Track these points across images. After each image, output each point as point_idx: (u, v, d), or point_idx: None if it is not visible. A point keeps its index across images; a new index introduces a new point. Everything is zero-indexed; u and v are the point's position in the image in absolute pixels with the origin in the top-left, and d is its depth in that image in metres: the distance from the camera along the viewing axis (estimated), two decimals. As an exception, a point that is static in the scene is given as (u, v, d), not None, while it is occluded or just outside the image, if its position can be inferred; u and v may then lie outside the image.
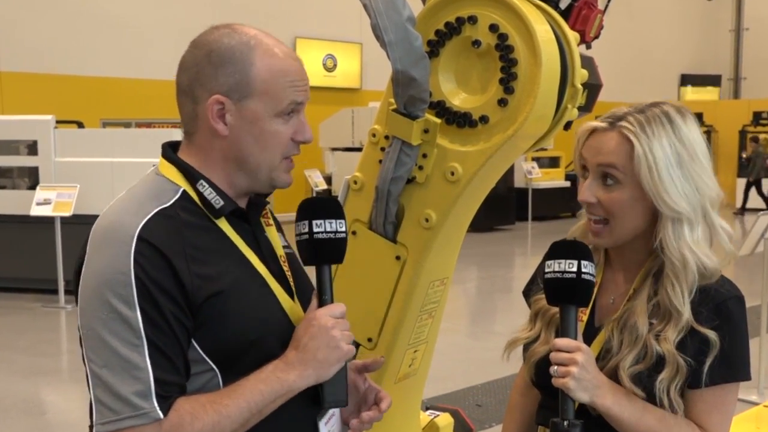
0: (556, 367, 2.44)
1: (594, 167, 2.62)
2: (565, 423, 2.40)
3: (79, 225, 10.52)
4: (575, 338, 2.48)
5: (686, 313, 2.52)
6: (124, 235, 2.19)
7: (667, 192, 2.52)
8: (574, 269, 2.45)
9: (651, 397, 2.52)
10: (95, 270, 2.20)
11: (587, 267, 2.46)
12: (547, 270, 2.51)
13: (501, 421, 3.23)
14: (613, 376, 2.55)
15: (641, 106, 2.63)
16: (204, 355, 2.26)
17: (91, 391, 2.17)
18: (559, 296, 2.50)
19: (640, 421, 2.50)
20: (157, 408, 2.12)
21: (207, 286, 2.23)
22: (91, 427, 2.22)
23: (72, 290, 2.34)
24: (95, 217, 2.32)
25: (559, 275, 2.47)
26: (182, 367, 2.22)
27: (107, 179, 13.01)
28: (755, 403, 7.19)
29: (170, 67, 2.61)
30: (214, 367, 2.27)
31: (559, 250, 2.52)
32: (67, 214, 12.70)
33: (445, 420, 3.71)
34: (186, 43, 2.37)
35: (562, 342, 2.45)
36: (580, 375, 2.41)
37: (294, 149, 2.42)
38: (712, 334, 2.50)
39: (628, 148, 2.55)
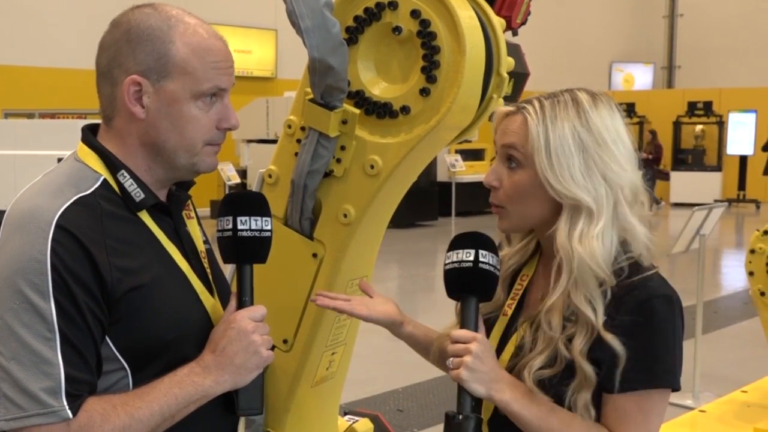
0: (451, 359, 2.45)
1: (499, 149, 2.63)
2: (459, 416, 2.41)
3: (-22, 221, 11.38)
4: (475, 330, 2.50)
5: (590, 315, 2.45)
6: (41, 221, 2.16)
7: (557, 177, 2.48)
8: (471, 258, 2.50)
9: (561, 404, 2.47)
10: (8, 256, 2.17)
11: (486, 257, 2.51)
12: (446, 261, 2.56)
13: (423, 427, 3.25)
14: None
15: (555, 92, 2.63)
16: (117, 353, 2.24)
17: None
18: (457, 287, 2.55)
19: (543, 422, 2.45)
20: (67, 407, 2.11)
21: (127, 280, 2.22)
22: None
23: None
24: (-4, 212, 2.29)
25: (456, 265, 2.53)
26: (94, 365, 2.20)
27: (9, 172, 12.79)
28: (690, 408, 7.25)
29: (76, 55, 2.61)
30: (126, 366, 2.26)
31: (459, 241, 2.57)
32: (-35, 209, 12.48)
33: (364, 425, 3.73)
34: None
35: (458, 333, 2.48)
36: (474, 365, 2.41)
37: (218, 137, 2.43)
38: (618, 346, 2.41)
39: (527, 129, 2.57)
